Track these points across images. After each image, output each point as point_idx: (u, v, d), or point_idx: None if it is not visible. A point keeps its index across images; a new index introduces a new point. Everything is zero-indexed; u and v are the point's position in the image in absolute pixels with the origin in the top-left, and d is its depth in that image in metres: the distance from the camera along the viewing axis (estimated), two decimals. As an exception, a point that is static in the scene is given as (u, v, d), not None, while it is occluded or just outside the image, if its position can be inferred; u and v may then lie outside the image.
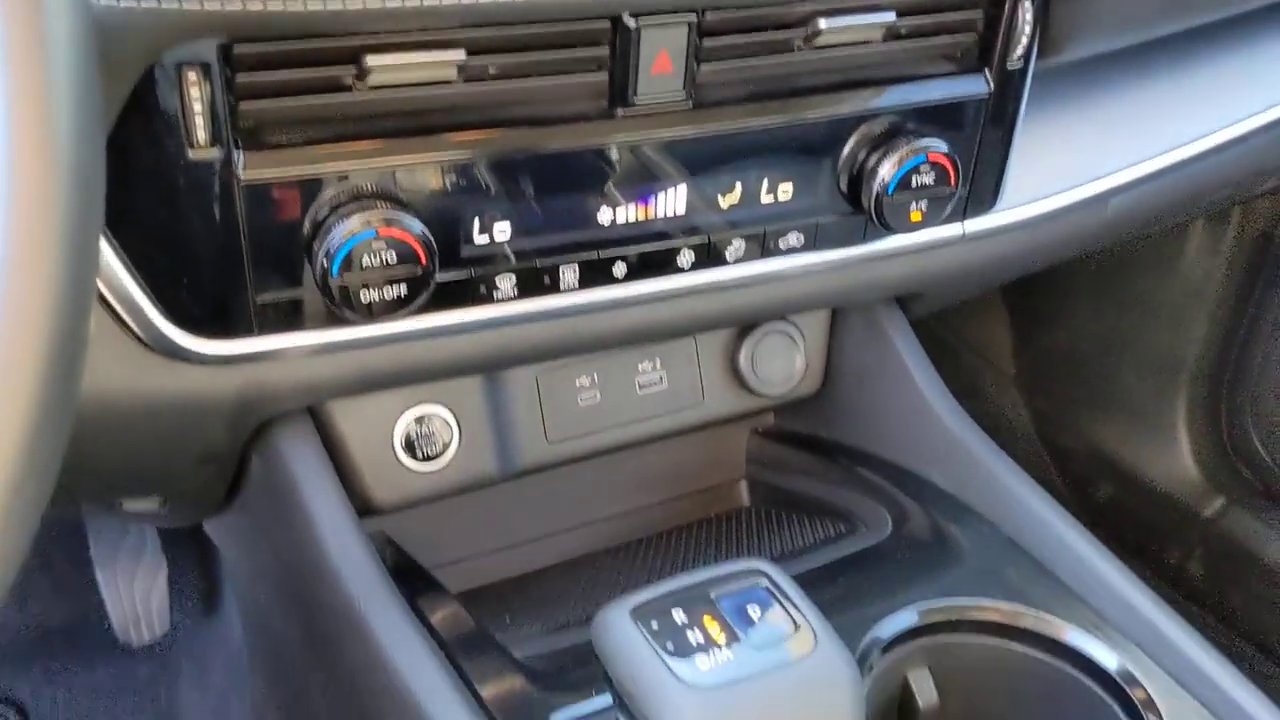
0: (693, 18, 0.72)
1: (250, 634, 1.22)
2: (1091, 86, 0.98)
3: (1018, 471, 0.92)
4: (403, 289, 0.70)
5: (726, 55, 0.75)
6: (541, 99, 0.73)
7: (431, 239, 0.70)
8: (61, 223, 0.43)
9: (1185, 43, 1.02)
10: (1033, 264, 1.07)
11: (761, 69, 0.77)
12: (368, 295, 0.70)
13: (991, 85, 0.85)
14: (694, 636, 0.62)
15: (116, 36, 0.58)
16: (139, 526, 1.47)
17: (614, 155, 0.76)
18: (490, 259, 0.75)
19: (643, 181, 0.78)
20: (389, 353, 0.78)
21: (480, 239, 0.74)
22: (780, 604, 0.64)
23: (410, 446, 0.88)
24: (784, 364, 1.01)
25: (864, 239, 0.88)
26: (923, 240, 0.90)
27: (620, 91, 0.74)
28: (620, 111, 0.75)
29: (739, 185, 0.81)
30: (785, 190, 0.82)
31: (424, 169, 0.71)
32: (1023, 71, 0.87)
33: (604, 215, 0.78)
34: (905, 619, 0.80)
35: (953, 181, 0.84)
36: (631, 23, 0.71)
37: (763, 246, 0.84)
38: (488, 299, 0.77)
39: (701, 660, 0.60)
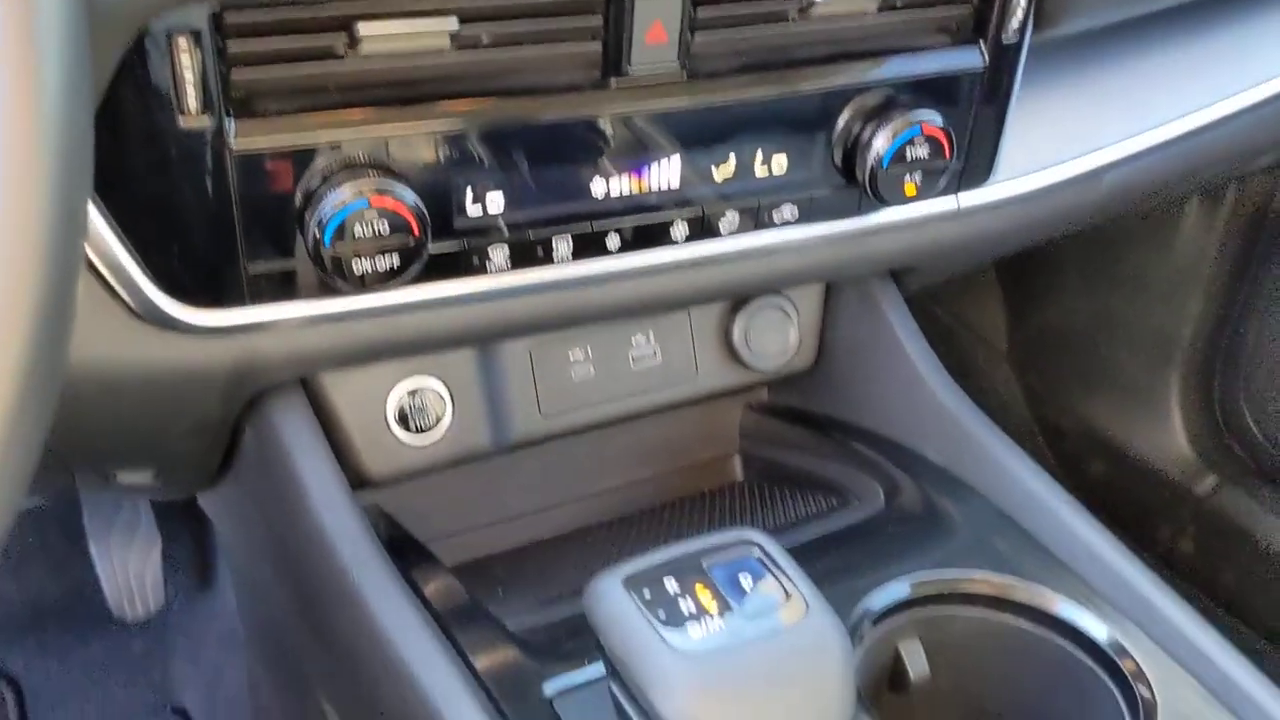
0: None
1: (244, 608, 1.23)
2: (1086, 61, 0.98)
3: (1010, 445, 0.92)
4: (395, 259, 0.70)
5: (720, 25, 0.75)
6: (534, 68, 0.72)
7: (424, 209, 0.70)
8: (49, 187, 0.42)
9: (1180, 18, 1.02)
10: (1027, 239, 1.07)
11: (756, 39, 0.77)
12: (360, 265, 0.70)
13: (986, 58, 0.85)
14: (686, 605, 0.62)
15: (106, 2, 0.58)
16: (133, 501, 1.47)
17: (607, 126, 0.76)
18: (483, 230, 0.75)
19: (636, 153, 0.77)
20: (382, 324, 0.77)
21: (473, 210, 0.74)
22: (772, 573, 0.64)
23: (403, 419, 0.88)
24: (778, 338, 1.01)
25: (858, 212, 0.88)
26: (917, 214, 0.90)
27: (614, 61, 0.74)
28: (614, 82, 0.74)
29: (733, 157, 0.81)
30: (779, 163, 0.82)
31: (416, 138, 0.71)
32: (1018, 45, 0.86)
33: (597, 187, 0.77)
34: (897, 591, 0.80)
35: (947, 154, 0.84)
36: None
37: (756, 219, 0.84)
38: (481, 270, 0.77)
39: (693, 629, 0.61)
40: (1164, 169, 1.01)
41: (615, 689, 0.65)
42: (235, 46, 0.64)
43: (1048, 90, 0.95)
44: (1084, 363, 1.63)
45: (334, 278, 0.70)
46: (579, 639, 0.73)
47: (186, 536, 1.50)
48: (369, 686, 0.77)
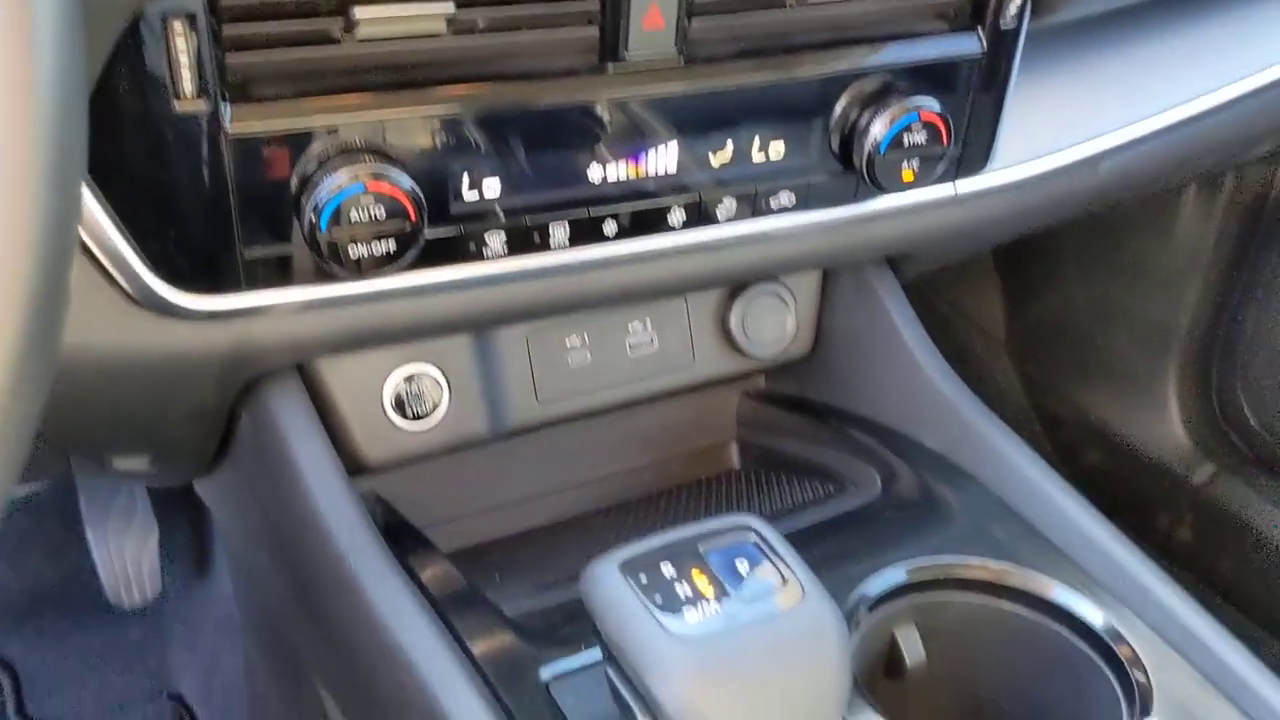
0: None
1: (241, 595, 1.23)
2: (1084, 48, 0.98)
3: (1007, 432, 0.92)
4: (391, 245, 0.70)
5: (718, 10, 0.75)
6: (531, 53, 0.72)
7: (420, 194, 0.70)
8: (43, 170, 0.42)
9: (1178, 5, 1.02)
10: (1024, 226, 1.07)
11: (753, 25, 0.77)
12: (356, 250, 0.69)
13: (984, 44, 0.85)
14: (682, 590, 0.62)
15: (101, -15, 0.58)
16: (130, 489, 1.47)
17: (604, 112, 0.75)
18: (480, 216, 0.75)
19: (633, 139, 0.77)
20: (378, 310, 0.77)
21: (470, 195, 0.74)
22: (768, 558, 0.64)
23: (400, 405, 0.88)
24: (775, 325, 1.01)
25: (855, 198, 0.88)
26: (914, 200, 0.90)
27: (611, 46, 0.73)
28: (611, 67, 0.74)
29: (730, 143, 0.80)
30: (777, 149, 0.82)
31: (413, 123, 0.71)
32: (1016, 31, 0.86)
33: (594, 173, 0.77)
34: (893, 576, 0.80)
35: (944, 140, 0.84)
36: None
37: (754, 205, 0.84)
38: (477, 256, 0.76)
39: (690, 613, 0.61)
40: (1161, 156, 1.01)
41: (611, 673, 0.64)
42: (231, 30, 0.64)
43: (1045, 77, 0.95)
44: (1082, 352, 1.63)
45: (330, 263, 0.70)
46: (576, 624, 0.73)
47: (183, 524, 1.50)
48: (365, 672, 0.77)
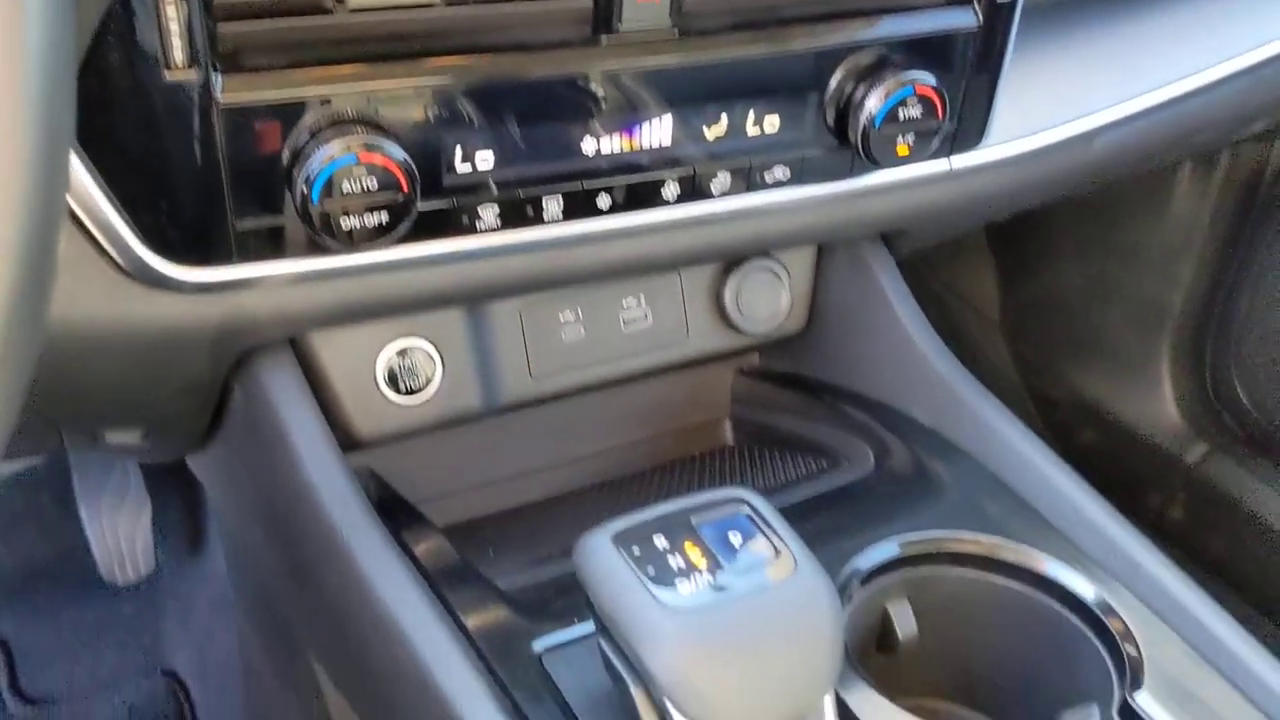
0: None
1: (234, 570, 1.23)
2: (1080, 24, 0.98)
3: (1000, 408, 0.92)
4: (384, 216, 0.70)
5: None
6: (524, 24, 0.72)
7: (413, 166, 0.70)
8: (30, 137, 0.42)
9: (1175, -20, 1.02)
10: (1019, 202, 1.07)
11: None
12: (348, 222, 0.69)
13: (980, 18, 0.85)
14: (675, 562, 0.62)
15: (89, -49, 0.57)
16: (123, 466, 1.47)
17: (598, 84, 0.75)
18: (473, 188, 0.75)
19: (627, 112, 0.77)
20: (371, 282, 0.77)
21: (463, 167, 0.74)
22: (761, 531, 0.64)
23: (393, 379, 0.88)
24: (769, 301, 1.00)
25: (850, 173, 0.87)
26: (909, 176, 0.90)
27: (604, 17, 0.73)
28: (605, 39, 0.74)
29: (725, 117, 0.80)
30: (771, 123, 0.82)
31: (405, 95, 0.70)
32: (1012, 5, 0.86)
33: (588, 145, 0.77)
34: (886, 551, 0.81)
35: (940, 115, 0.84)
36: None
37: (748, 180, 0.83)
38: (470, 229, 0.76)
39: (682, 585, 0.61)
40: (1156, 132, 1.01)
41: (604, 645, 0.65)
42: None
43: (1040, 53, 0.94)
44: (1075, 331, 1.63)
45: (322, 235, 0.69)
46: (569, 598, 0.73)
47: (177, 500, 1.50)
48: (359, 646, 0.77)
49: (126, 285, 0.70)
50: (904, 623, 0.80)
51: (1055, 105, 0.96)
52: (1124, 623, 0.77)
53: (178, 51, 0.63)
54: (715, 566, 0.62)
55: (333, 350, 0.85)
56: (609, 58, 0.74)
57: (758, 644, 0.60)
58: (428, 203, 0.73)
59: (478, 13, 0.70)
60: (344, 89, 0.68)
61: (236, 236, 0.70)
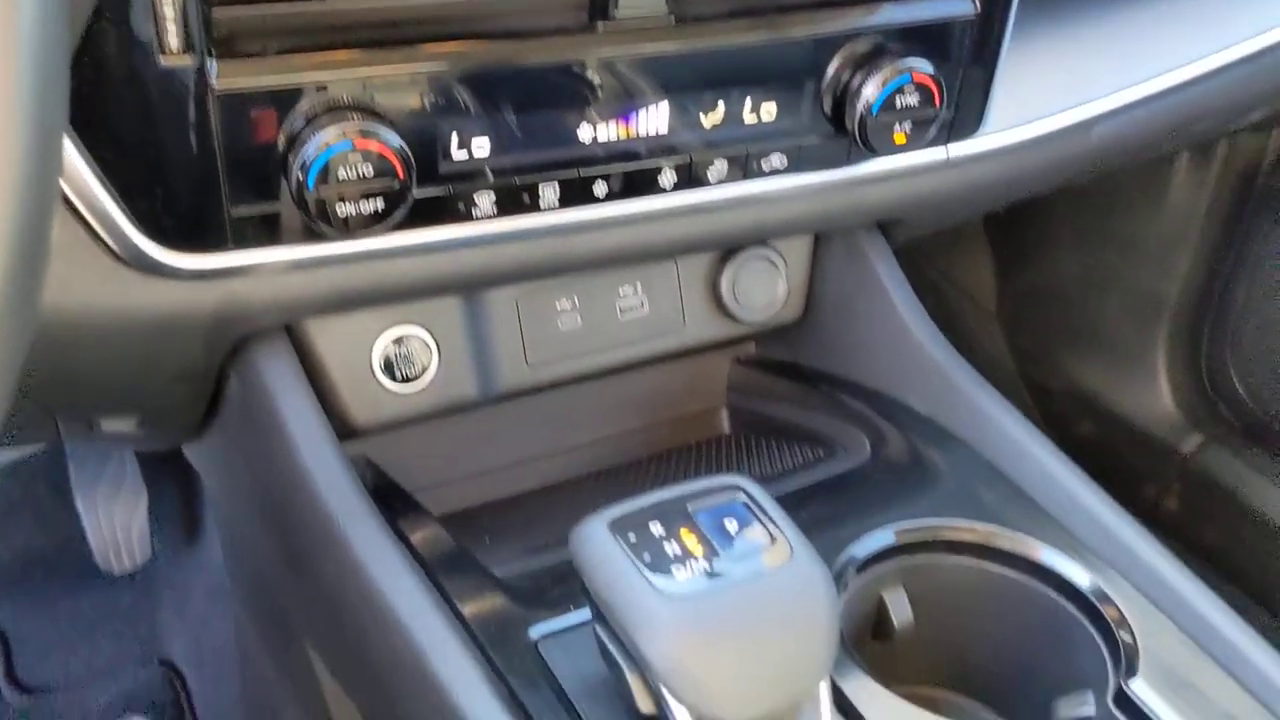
0: None
1: (231, 559, 1.23)
2: (1077, 12, 0.97)
3: (996, 396, 0.92)
4: (380, 203, 0.70)
5: None
6: (521, 10, 0.72)
7: (409, 153, 0.70)
8: (23, 121, 0.42)
9: (1172, -30, 1.01)
10: (1017, 191, 1.07)
11: None
12: (344, 209, 0.69)
13: (978, 6, 0.85)
14: (671, 548, 0.62)
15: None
16: (119, 455, 1.47)
17: (594, 71, 0.75)
18: (469, 176, 0.75)
19: (624, 99, 0.77)
20: (367, 270, 0.77)
21: (459, 155, 0.73)
22: (757, 518, 0.64)
23: (389, 368, 0.88)
24: (766, 290, 1.00)
25: (847, 162, 0.87)
26: (906, 164, 0.90)
27: (601, 4, 0.73)
28: (601, 25, 0.74)
29: (721, 104, 0.80)
30: (768, 110, 0.82)
31: (401, 81, 0.70)
32: (1009, -8, 0.86)
33: (584, 133, 0.77)
34: (881, 539, 0.81)
35: (937, 103, 0.84)
36: None
37: (745, 168, 0.83)
38: (466, 217, 0.76)
39: (678, 572, 0.61)
40: (1154, 121, 1.01)
41: (600, 632, 0.65)
42: None
43: (1038, 41, 0.94)
44: (1072, 321, 1.63)
45: (318, 221, 0.69)
46: (565, 585, 0.73)
47: (173, 490, 1.49)
48: (355, 633, 0.77)
49: (122, 272, 0.70)
50: (899, 610, 0.80)
51: (1053, 93, 0.95)
52: (1119, 610, 0.77)
53: (172, 37, 0.63)
54: (711, 553, 0.62)
55: (329, 338, 0.85)
56: (605, 44, 0.74)
57: (753, 630, 0.60)
58: (423, 190, 0.72)
59: (474, -1, 0.70)
60: (340, 75, 0.68)
61: (232, 223, 0.70)
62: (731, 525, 0.64)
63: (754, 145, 0.83)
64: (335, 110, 0.68)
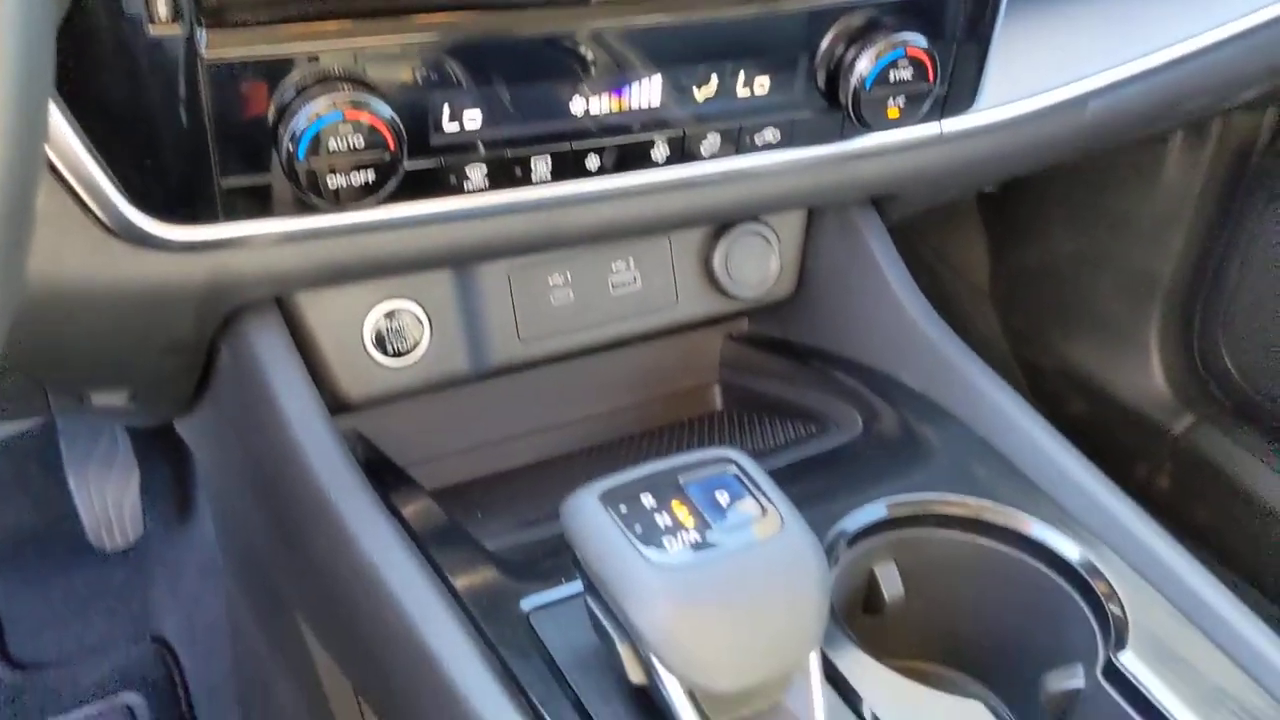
0: None
1: (223, 534, 1.23)
2: (1072, -12, 0.97)
3: (988, 372, 0.92)
4: (370, 175, 0.69)
5: None
6: None
7: (400, 125, 0.69)
8: (6, 87, 0.41)
9: (1168, -54, 1.01)
10: (1011, 168, 1.07)
11: None
12: (335, 181, 0.69)
13: (972, -21, 0.84)
14: (662, 520, 0.62)
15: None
16: (111, 432, 1.46)
17: (586, 42, 0.74)
18: (460, 148, 0.74)
19: (616, 71, 0.76)
20: (358, 242, 0.77)
21: (450, 127, 0.73)
22: (748, 490, 0.64)
23: (380, 341, 0.88)
24: (758, 266, 1.00)
25: (841, 136, 0.87)
26: (900, 139, 0.90)
27: (594, -25, 0.72)
28: (593, -4, 0.73)
29: (714, 78, 0.80)
30: (762, 84, 0.81)
31: (392, 52, 0.70)
32: (1004, -33, 0.85)
33: (577, 105, 0.76)
34: (873, 512, 0.81)
35: (931, 77, 0.83)
36: None
37: (738, 142, 0.83)
38: (458, 189, 0.76)
39: (669, 543, 0.61)
40: (1149, 98, 1.01)
41: (592, 603, 0.65)
42: None
43: (1033, 16, 0.94)
44: (1065, 301, 1.63)
45: (309, 193, 0.69)
46: (557, 559, 0.73)
47: (165, 467, 1.49)
48: (347, 607, 0.77)
49: (112, 243, 0.70)
50: (890, 584, 0.81)
51: (1048, 69, 0.95)
52: (1109, 584, 0.77)
53: (161, 5, 0.63)
54: (702, 525, 0.62)
55: (320, 311, 0.85)
56: (598, 16, 0.74)
57: (744, 601, 0.60)
58: (415, 162, 0.72)
59: (466, -32, 0.69)
60: (330, 45, 0.68)
61: (222, 195, 0.70)
62: (723, 497, 0.64)
63: (747, 119, 0.82)
64: (326, 81, 0.68)
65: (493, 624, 0.71)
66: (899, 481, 0.84)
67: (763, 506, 0.63)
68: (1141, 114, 1.04)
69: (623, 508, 0.63)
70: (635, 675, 0.63)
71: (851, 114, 0.83)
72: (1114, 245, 1.56)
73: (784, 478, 0.68)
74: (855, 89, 0.82)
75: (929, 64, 0.83)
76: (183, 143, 0.68)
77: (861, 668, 0.71)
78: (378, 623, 0.74)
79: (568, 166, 0.78)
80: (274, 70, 0.67)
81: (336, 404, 0.87)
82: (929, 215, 1.20)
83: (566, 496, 0.65)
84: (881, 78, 0.82)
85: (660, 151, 0.81)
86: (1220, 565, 1.48)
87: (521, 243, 0.86)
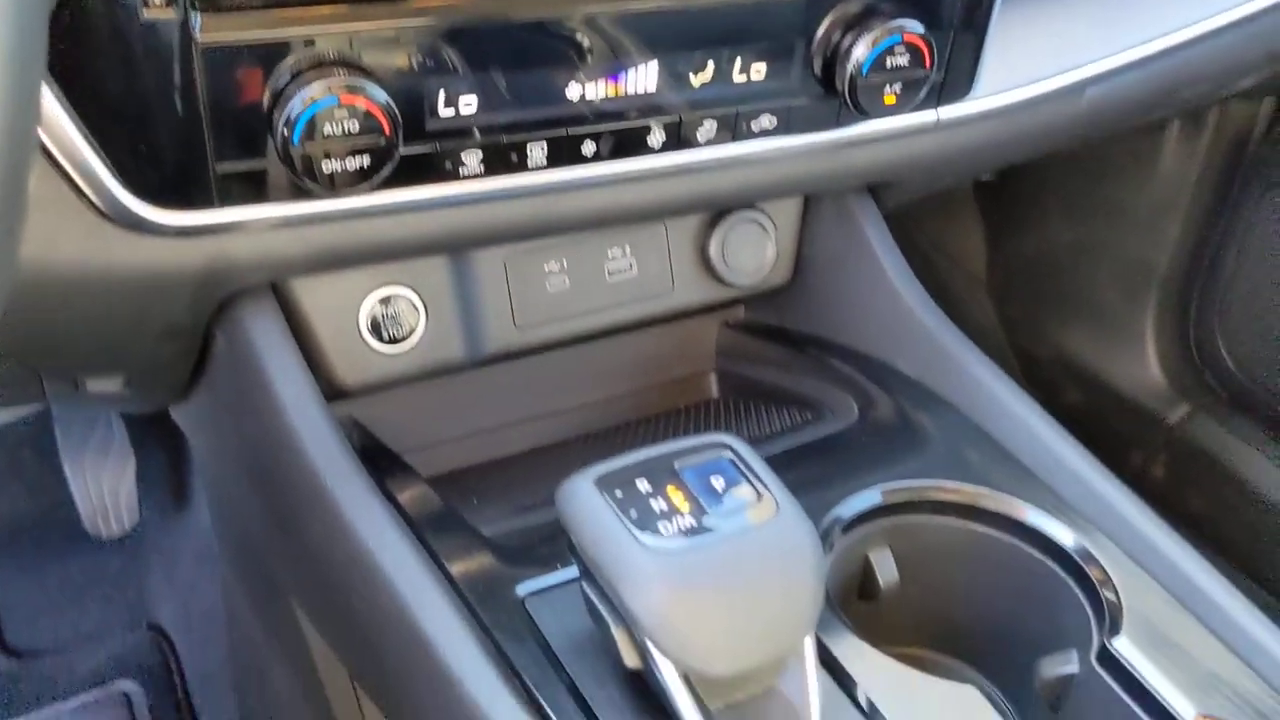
0: None
1: (218, 521, 1.23)
2: (1070, -25, 0.97)
3: (984, 359, 0.92)
4: (366, 160, 0.69)
5: None
6: None
7: (395, 109, 0.69)
8: None
9: (1166, -67, 1.01)
10: (1008, 155, 1.06)
11: None
12: (330, 165, 0.68)
13: (969, -34, 0.84)
14: (657, 504, 0.62)
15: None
16: (106, 420, 1.46)
17: (582, 27, 0.74)
18: (456, 133, 0.74)
19: (613, 57, 0.76)
20: (353, 228, 0.76)
21: (446, 112, 0.73)
22: (743, 475, 0.64)
23: (376, 328, 0.88)
24: (754, 253, 1.00)
25: (837, 123, 0.87)
26: (896, 126, 0.89)
27: (590, -42, 0.72)
28: (590, -20, 0.73)
29: (711, 64, 0.79)
30: (758, 70, 0.81)
31: (388, 36, 0.69)
32: (1001, -47, 0.85)
33: (573, 91, 0.76)
34: (868, 499, 0.81)
35: (927, 64, 0.83)
36: None
37: (734, 128, 0.83)
38: (454, 175, 0.75)
39: (665, 527, 0.61)
40: (1146, 85, 1.00)
41: (587, 588, 0.65)
42: None
43: (1030, 4, 0.94)
44: (1061, 290, 1.63)
45: (304, 178, 0.69)
46: (552, 544, 0.74)
47: (161, 455, 1.49)
48: (343, 592, 0.78)
49: (106, 229, 0.70)
50: (885, 570, 0.81)
51: (1045, 56, 0.95)
52: (1103, 570, 0.77)
53: (155, -12, 0.63)
54: (698, 509, 0.62)
55: (315, 297, 0.85)
56: (594, 1, 0.74)
57: (739, 585, 0.60)
58: (410, 147, 0.72)
59: (461, -47, 0.69)
60: (325, 29, 0.67)
61: (217, 180, 0.70)
62: (718, 482, 0.64)
63: (743, 105, 0.82)
64: (321, 65, 0.68)
65: (488, 609, 0.71)
66: (894, 468, 0.84)
67: (758, 492, 0.63)
68: (1139, 101, 1.04)
69: (618, 493, 0.63)
70: (630, 659, 0.64)
71: (848, 100, 0.83)
72: (1110, 234, 1.56)
73: (780, 464, 0.68)
74: (852, 75, 0.81)
75: (926, 50, 0.83)
76: (177, 127, 0.67)
77: (856, 653, 0.72)
78: (373, 608, 0.74)
79: (564, 152, 0.78)
80: (269, 54, 0.67)
81: (332, 390, 0.87)
82: (925, 203, 1.20)
83: (562, 482, 0.65)
84: (878, 64, 0.81)
85: (656, 137, 0.81)
86: (1215, 554, 1.49)
87: (517, 229, 0.85)
